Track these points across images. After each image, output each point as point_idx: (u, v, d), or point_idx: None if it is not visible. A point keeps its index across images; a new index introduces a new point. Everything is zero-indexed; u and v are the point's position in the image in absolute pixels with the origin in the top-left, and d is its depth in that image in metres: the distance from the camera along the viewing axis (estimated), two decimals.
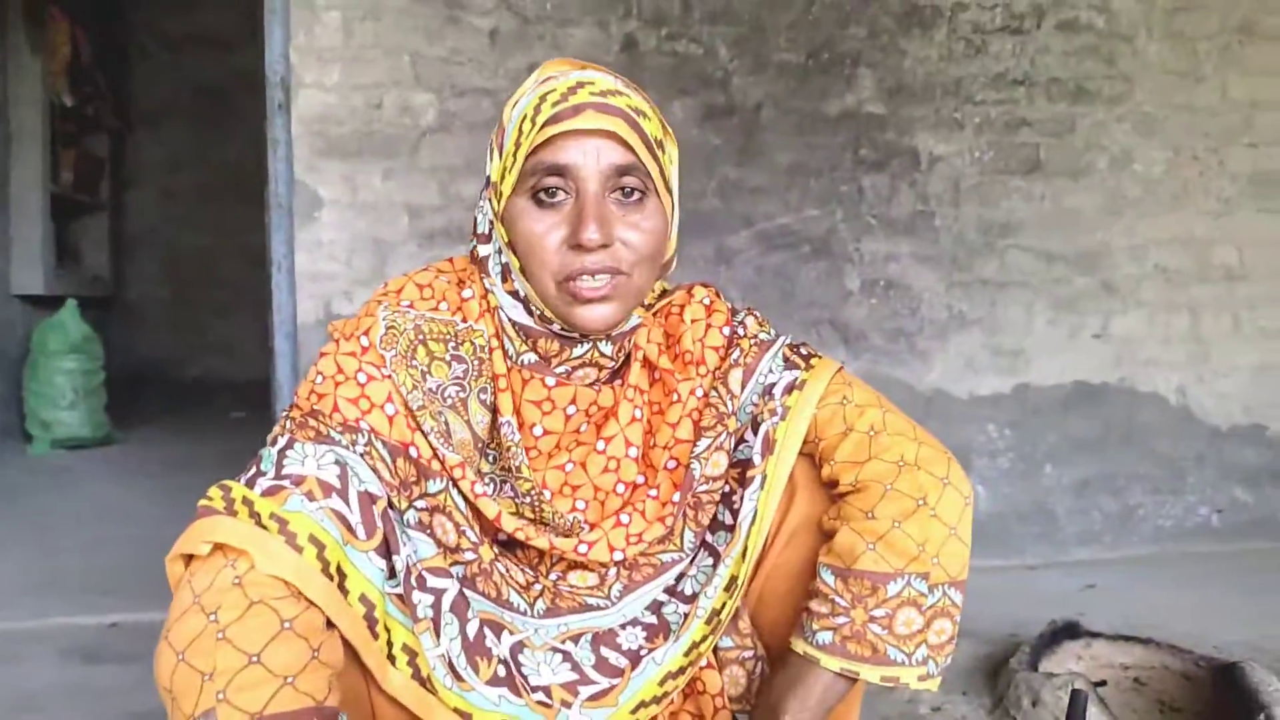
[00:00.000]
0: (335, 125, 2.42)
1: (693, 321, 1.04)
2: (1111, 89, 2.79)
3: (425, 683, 0.87)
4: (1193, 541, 2.85)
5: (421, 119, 2.47)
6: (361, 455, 0.87)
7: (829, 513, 0.99)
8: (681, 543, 1.02)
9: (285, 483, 0.83)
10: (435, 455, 0.91)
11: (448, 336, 0.95)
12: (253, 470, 0.87)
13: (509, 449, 0.95)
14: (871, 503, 0.94)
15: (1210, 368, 2.88)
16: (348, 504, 0.84)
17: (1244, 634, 2.09)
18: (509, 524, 0.94)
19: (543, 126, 0.88)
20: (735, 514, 0.99)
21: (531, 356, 0.97)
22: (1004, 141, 2.75)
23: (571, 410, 0.98)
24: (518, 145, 0.90)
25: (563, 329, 0.95)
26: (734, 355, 1.03)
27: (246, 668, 0.75)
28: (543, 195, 0.91)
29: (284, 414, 0.92)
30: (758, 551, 0.98)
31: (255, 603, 0.77)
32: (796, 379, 1.02)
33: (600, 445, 0.99)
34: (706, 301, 1.06)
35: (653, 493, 1.01)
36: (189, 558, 0.83)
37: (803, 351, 1.06)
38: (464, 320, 0.96)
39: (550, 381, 0.97)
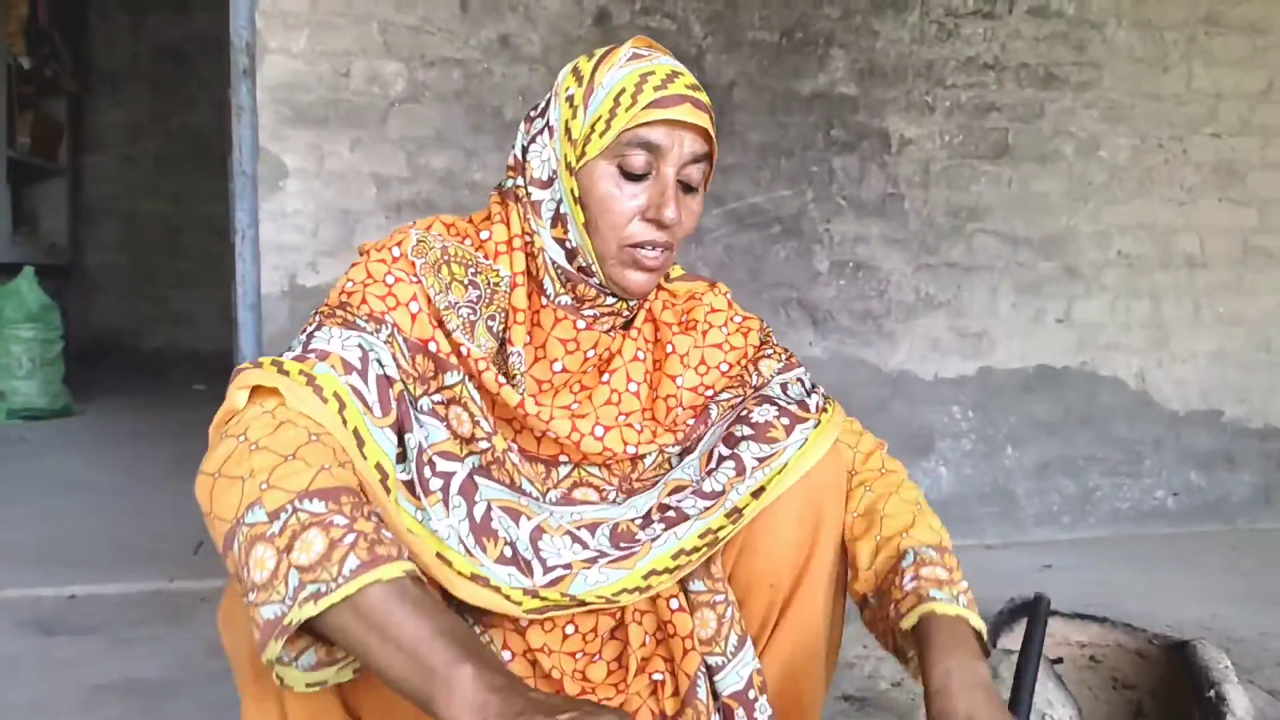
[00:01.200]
0: (302, 93, 2.38)
1: (712, 310, 1.14)
2: (1080, 75, 2.81)
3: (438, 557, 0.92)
4: (1148, 524, 2.91)
5: (390, 88, 2.43)
6: (385, 342, 0.94)
7: (879, 507, 1.08)
8: (681, 460, 1.08)
9: (311, 355, 0.91)
10: (454, 350, 0.99)
11: (469, 262, 1.03)
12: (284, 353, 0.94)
13: (514, 378, 1.02)
14: (916, 495, 1.09)
15: (1169, 353, 2.93)
16: (366, 383, 0.91)
17: (1195, 613, 2.15)
18: (531, 407, 1.01)
19: (647, 106, 0.98)
20: (771, 442, 1.05)
21: (566, 299, 1.05)
22: (973, 125, 2.77)
23: (591, 354, 1.07)
24: (613, 114, 0.99)
25: (600, 284, 1.04)
26: (766, 352, 1.13)
27: (284, 462, 0.80)
28: (630, 167, 1.00)
29: (315, 311, 0.99)
30: (794, 477, 1.04)
31: (284, 422, 0.84)
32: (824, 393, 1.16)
33: (605, 378, 1.07)
34: (730, 297, 1.17)
35: (659, 430, 1.08)
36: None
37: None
38: (485, 256, 1.04)
39: (580, 325, 1.06)
